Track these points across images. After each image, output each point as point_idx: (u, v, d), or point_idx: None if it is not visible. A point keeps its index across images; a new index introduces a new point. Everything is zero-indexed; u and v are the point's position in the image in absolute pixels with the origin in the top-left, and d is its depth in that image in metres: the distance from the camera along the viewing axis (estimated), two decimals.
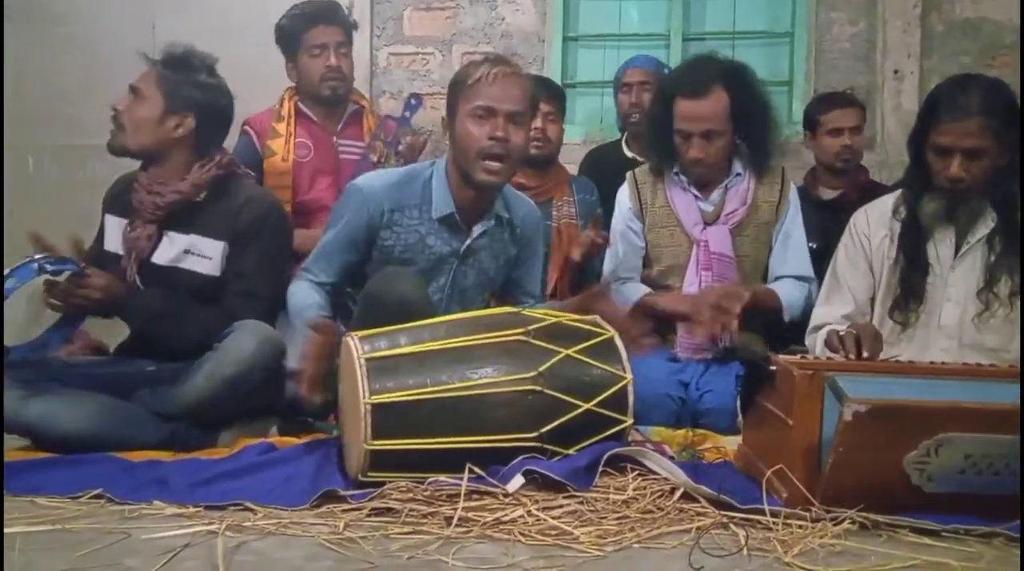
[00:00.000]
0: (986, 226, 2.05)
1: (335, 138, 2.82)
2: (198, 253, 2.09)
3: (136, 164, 2.16)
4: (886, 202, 2.19)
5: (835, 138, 2.85)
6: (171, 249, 2.08)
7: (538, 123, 2.65)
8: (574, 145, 3.39)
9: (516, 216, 2.16)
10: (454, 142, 2.03)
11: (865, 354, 1.83)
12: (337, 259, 2.08)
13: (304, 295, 2.03)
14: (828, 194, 2.87)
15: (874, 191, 2.61)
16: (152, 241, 2.07)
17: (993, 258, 2.04)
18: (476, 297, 2.17)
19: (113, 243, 2.14)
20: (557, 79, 3.66)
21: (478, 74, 1.95)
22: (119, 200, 2.16)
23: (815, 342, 2.16)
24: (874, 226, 2.18)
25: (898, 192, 2.18)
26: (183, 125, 2.09)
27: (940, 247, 2.09)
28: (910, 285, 2.09)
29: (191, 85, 2.12)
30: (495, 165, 1.96)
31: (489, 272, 2.16)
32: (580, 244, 2.57)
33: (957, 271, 2.07)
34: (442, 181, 2.05)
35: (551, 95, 2.75)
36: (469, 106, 1.96)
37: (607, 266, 2.54)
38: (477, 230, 2.08)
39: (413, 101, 2.88)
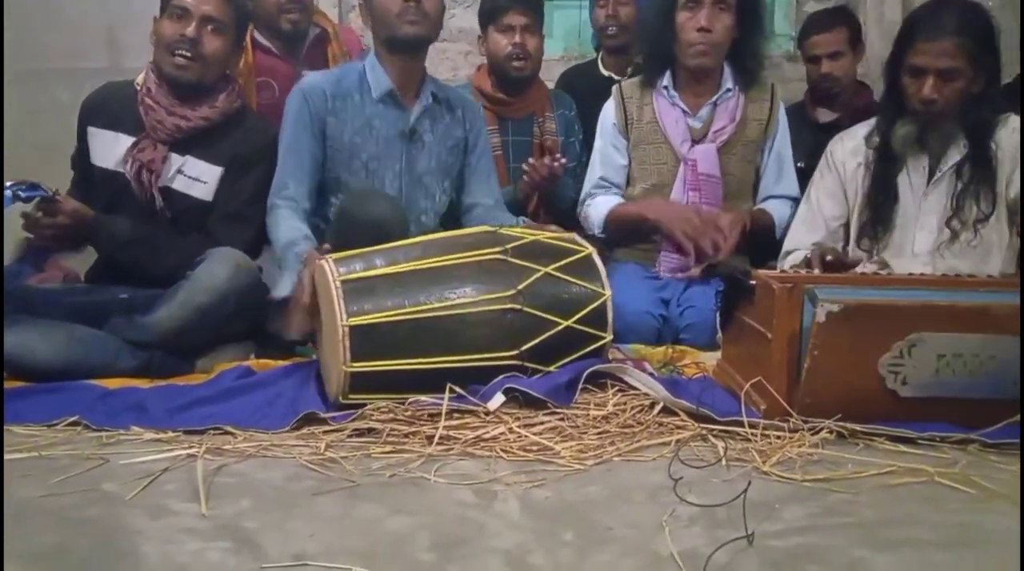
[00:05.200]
0: (958, 152, 2.04)
1: (299, 70, 2.57)
2: (193, 176, 2.06)
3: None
4: (862, 130, 2.17)
5: (814, 65, 2.77)
6: (166, 169, 2.04)
7: (516, 37, 2.57)
8: (554, 60, 3.30)
9: (453, 98, 2.26)
10: (375, 18, 2.13)
11: (828, 257, 1.86)
12: (301, 159, 2.10)
13: (288, 226, 2.01)
14: (825, 117, 2.78)
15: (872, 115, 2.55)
16: (165, 162, 2.02)
17: (960, 186, 2.04)
18: (435, 185, 2.22)
19: (104, 158, 2.07)
20: None
21: None
22: (107, 113, 2.09)
23: (784, 266, 2.17)
24: (849, 154, 2.17)
25: (873, 120, 2.16)
26: (239, 55, 2.09)
27: (913, 175, 2.08)
28: (878, 212, 2.10)
29: (244, 10, 2.11)
30: (415, 17, 2.06)
31: (441, 155, 2.21)
32: (525, 166, 2.47)
33: (930, 198, 2.07)
34: (374, 65, 2.16)
35: (528, 5, 2.62)
36: None
37: (588, 180, 2.48)
38: (417, 108, 2.16)
39: None
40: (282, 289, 1.89)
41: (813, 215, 2.20)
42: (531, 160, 2.47)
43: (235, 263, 1.91)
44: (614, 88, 2.48)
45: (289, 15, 2.51)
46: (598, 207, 2.42)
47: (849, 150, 2.18)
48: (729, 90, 2.37)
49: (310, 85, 2.14)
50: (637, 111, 2.42)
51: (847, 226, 2.19)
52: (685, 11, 2.29)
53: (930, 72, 1.96)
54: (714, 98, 2.37)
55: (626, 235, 2.41)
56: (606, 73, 2.93)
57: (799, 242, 2.18)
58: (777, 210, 2.39)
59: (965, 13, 1.96)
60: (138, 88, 2.07)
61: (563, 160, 2.46)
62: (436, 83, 2.26)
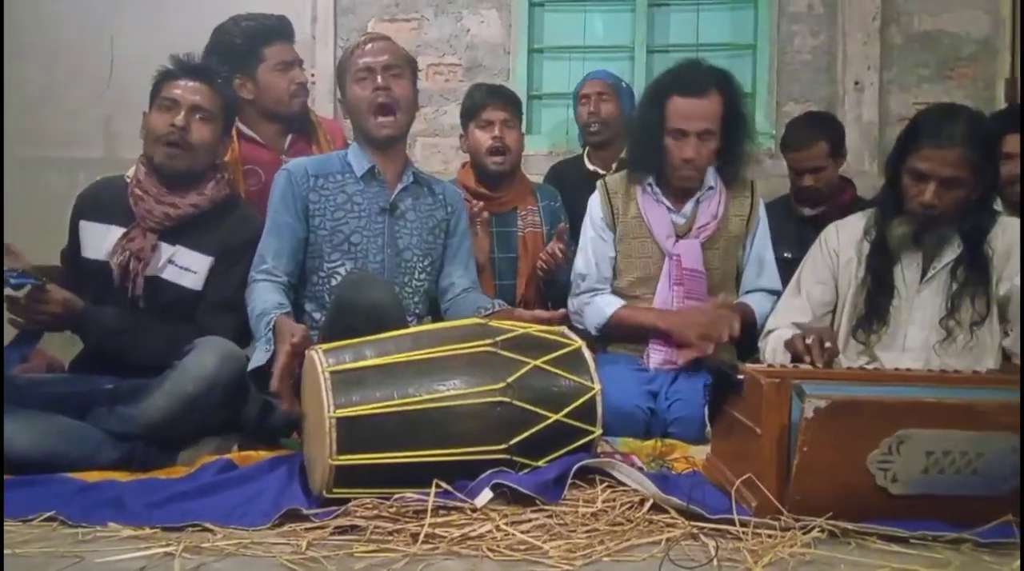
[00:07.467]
0: (952, 252, 2.07)
1: (283, 157, 2.62)
2: (184, 266, 2.07)
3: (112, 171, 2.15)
4: (858, 222, 2.20)
5: (797, 176, 2.84)
6: (156, 258, 2.05)
7: (496, 131, 2.63)
8: (541, 156, 3.38)
9: (433, 181, 2.33)
10: (351, 113, 2.22)
11: (827, 344, 1.88)
12: (280, 235, 2.13)
13: (262, 298, 2.01)
14: (810, 211, 2.85)
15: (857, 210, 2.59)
16: (155, 251, 2.04)
17: (955, 287, 2.05)
18: (416, 262, 2.23)
19: (94, 250, 2.08)
20: (523, 90, 3.67)
21: (353, 46, 2.22)
22: (99, 206, 2.11)
23: (766, 346, 2.18)
24: (844, 244, 2.19)
25: (870, 212, 2.19)
26: (227, 144, 2.14)
27: (907, 271, 2.10)
28: (875, 306, 2.10)
29: (231, 101, 2.19)
30: (386, 118, 2.16)
31: (423, 234, 2.25)
32: (542, 256, 2.55)
33: (923, 295, 2.09)
34: (356, 150, 2.24)
35: (506, 101, 2.70)
36: (351, 73, 2.18)
37: (577, 273, 2.50)
38: (399, 186, 2.22)
39: None
40: (255, 361, 1.87)
41: (799, 297, 2.22)
42: (549, 248, 2.52)
43: (223, 352, 1.90)
44: (599, 183, 2.54)
45: (300, 98, 2.66)
46: (598, 308, 2.42)
47: (845, 240, 2.19)
48: (711, 188, 2.42)
49: (295, 165, 2.21)
50: (623, 205, 2.46)
51: (833, 314, 2.19)
52: (671, 138, 2.33)
53: (933, 179, 1.97)
54: (697, 195, 2.42)
55: (625, 336, 2.43)
56: (591, 167, 3.03)
57: (781, 322, 2.19)
58: (759, 304, 2.41)
59: (971, 123, 1.98)
60: (128, 180, 2.10)
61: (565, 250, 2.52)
62: (416, 168, 2.31)
